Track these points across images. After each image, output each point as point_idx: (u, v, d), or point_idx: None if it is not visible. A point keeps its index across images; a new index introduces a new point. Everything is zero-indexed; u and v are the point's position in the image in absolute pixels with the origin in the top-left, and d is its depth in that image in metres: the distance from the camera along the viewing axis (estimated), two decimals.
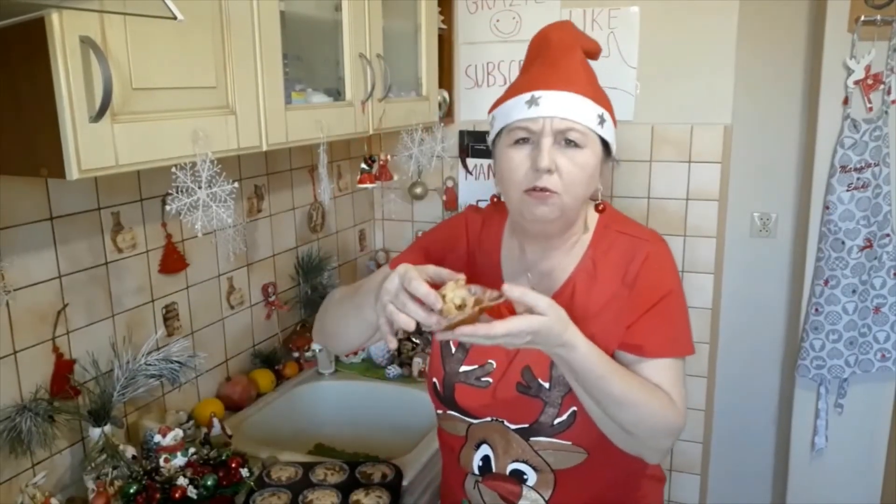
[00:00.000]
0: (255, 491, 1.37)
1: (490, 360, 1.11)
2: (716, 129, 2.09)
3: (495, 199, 1.13)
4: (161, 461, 1.35)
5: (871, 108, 1.98)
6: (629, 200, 2.20)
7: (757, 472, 2.45)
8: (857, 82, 1.98)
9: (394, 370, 1.96)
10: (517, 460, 1.11)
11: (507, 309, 0.90)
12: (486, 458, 1.13)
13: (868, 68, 1.96)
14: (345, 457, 1.76)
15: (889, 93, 1.96)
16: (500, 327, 0.84)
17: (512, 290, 0.85)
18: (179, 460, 1.36)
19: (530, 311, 0.86)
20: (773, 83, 2.19)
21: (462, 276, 0.88)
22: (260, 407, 1.79)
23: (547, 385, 1.06)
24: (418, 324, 0.86)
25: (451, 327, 0.84)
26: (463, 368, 1.13)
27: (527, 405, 1.08)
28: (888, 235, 2.03)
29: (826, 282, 2.06)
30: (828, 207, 2.04)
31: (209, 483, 1.31)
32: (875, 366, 2.11)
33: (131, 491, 1.28)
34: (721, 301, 2.33)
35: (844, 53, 1.97)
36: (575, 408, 1.05)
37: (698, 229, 2.17)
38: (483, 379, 1.11)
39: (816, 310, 2.09)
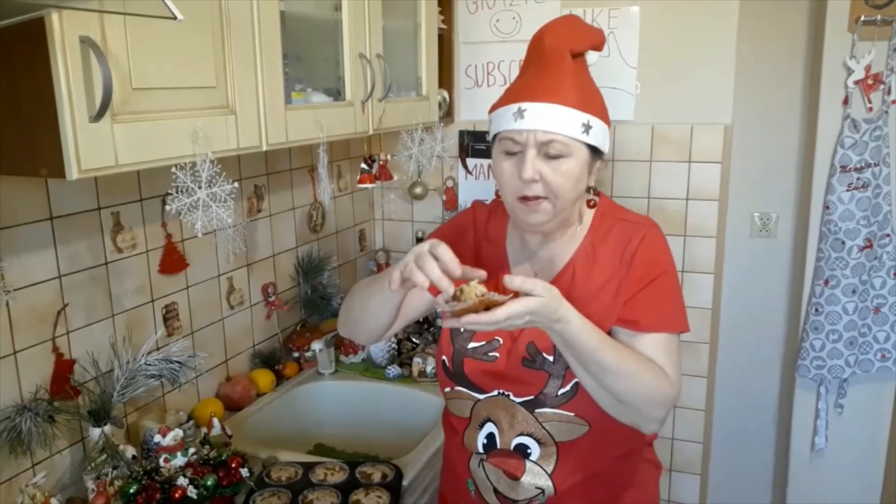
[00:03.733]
0: (255, 491, 1.38)
1: (497, 337, 1.17)
2: (716, 129, 2.09)
3: (499, 199, 1.18)
4: (161, 461, 1.35)
5: (871, 108, 1.98)
6: (629, 200, 2.20)
7: (757, 472, 2.45)
8: (857, 82, 1.98)
9: (394, 370, 1.96)
10: (522, 433, 1.15)
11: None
12: (490, 436, 1.17)
13: (868, 68, 1.96)
14: (345, 457, 1.77)
15: (889, 93, 1.95)
16: (501, 313, 0.91)
17: (512, 281, 0.93)
18: (179, 460, 1.35)
19: (528, 294, 0.94)
20: (773, 83, 2.19)
21: (483, 273, 0.96)
22: (260, 407, 1.79)
23: (551, 358, 1.12)
24: (426, 320, 0.89)
25: (458, 314, 0.91)
26: (471, 345, 1.18)
27: (532, 377, 1.13)
28: (888, 235, 2.03)
29: (826, 282, 2.06)
30: (828, 207, 2.04)
31: (209, 483, 1.31)
32: (875, 366, 2.11)
33: (131, 491, 1.28)
34: (721, 301, 2.33)
35: (844, 53, 1.97)
36: (577, 379, 1.10)
37: (698, 229, 2.17)
38: (490, 354, 1.17)
39: (816, 310, 2.09)
